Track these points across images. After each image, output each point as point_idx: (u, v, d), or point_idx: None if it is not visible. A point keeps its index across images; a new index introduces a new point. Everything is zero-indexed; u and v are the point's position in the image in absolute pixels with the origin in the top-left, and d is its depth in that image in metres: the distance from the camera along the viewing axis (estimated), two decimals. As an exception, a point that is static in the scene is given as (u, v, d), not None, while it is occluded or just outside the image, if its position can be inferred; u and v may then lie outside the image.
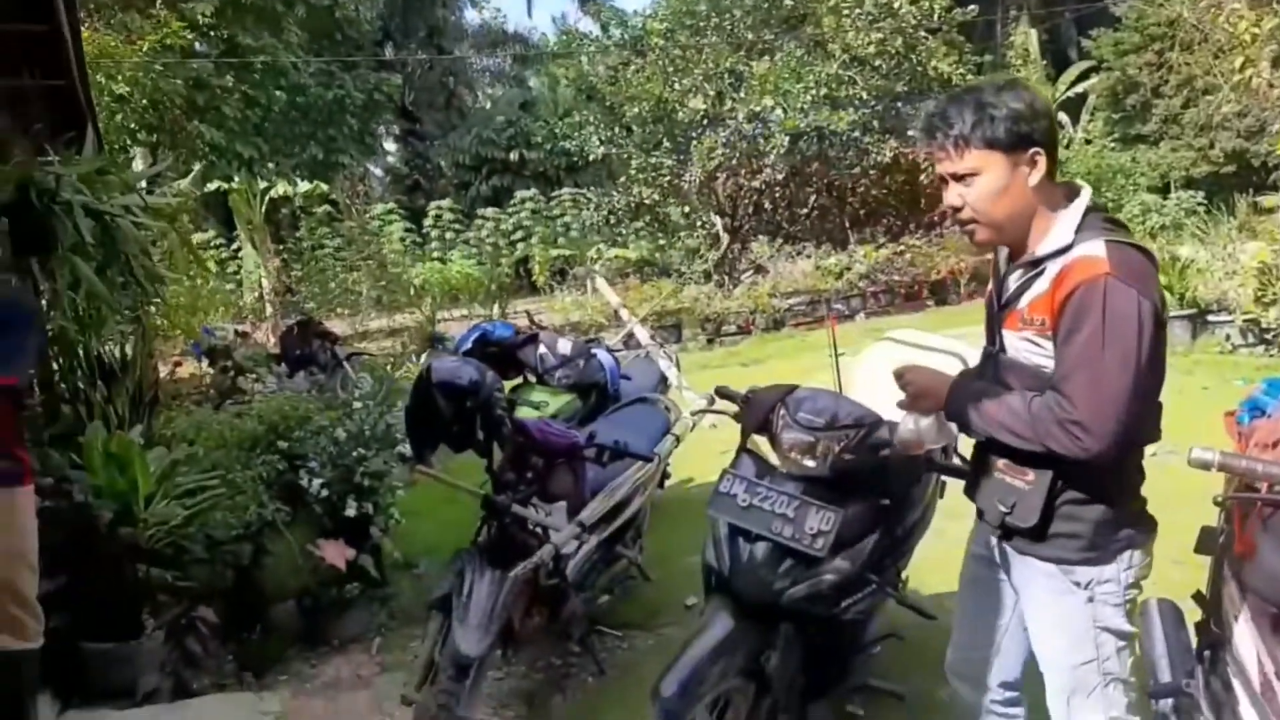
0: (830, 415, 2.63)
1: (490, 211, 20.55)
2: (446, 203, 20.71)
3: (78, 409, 5.06)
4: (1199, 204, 14.57)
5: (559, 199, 20.96)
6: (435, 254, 18.73)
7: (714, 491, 2.70)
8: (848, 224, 17.52)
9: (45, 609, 3.31)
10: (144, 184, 5.16)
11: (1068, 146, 17.26)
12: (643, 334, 8.98)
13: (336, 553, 4.17)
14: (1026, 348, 2.01)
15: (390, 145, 27.94)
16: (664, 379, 5.94)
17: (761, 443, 2.82)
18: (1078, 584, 2.03)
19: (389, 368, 8.80)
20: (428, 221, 19.77)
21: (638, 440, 3.76)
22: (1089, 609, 2.04)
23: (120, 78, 10.35)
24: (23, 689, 3.23)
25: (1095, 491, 1.98)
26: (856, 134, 15.05)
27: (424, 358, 11.92)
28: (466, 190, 25.09)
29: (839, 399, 2.77)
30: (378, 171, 28.46)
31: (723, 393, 3.02)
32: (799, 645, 2.63)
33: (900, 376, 2.23)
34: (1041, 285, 1.97)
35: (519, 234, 20.12)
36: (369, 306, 15.53)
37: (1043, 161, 1.94)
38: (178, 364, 8.14)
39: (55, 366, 4.86)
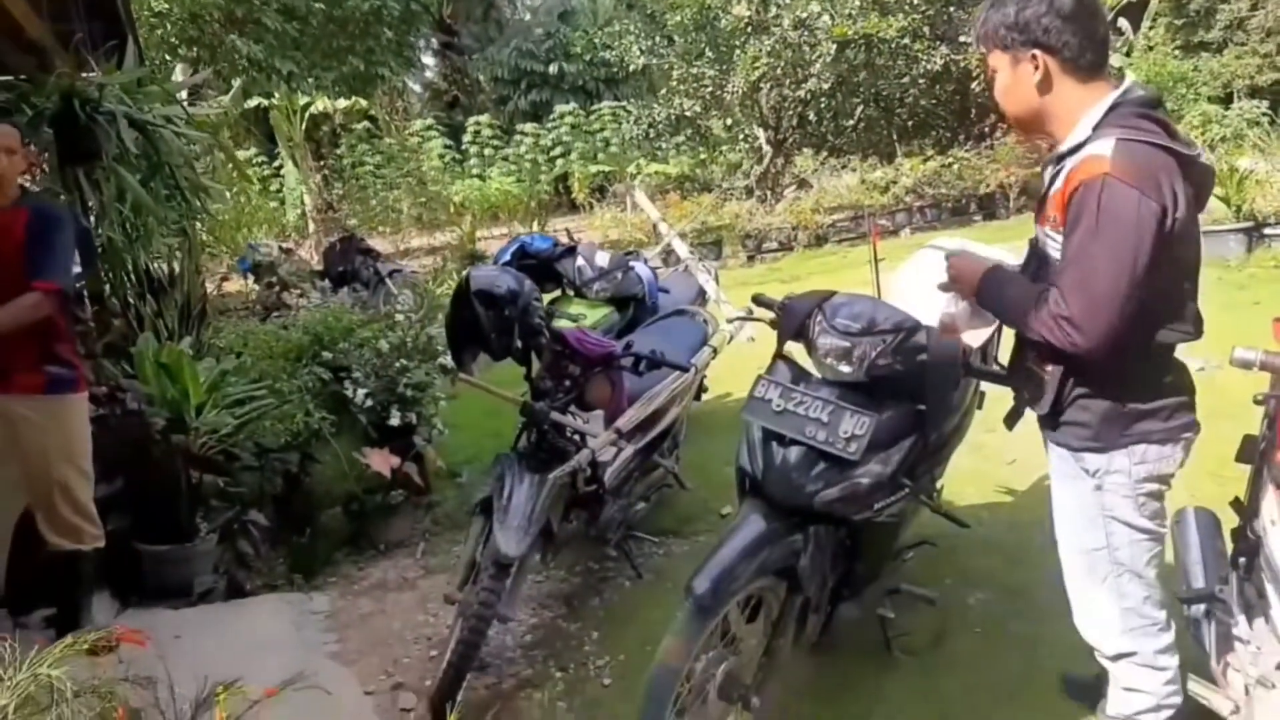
0: (867, 320, 2.60)
1: (529, 127, 20.28)
2: (485, 118, 20.47)
3: (129, 321, 5.20)
4: (1263, 114, 13.91)
5: (598, 113, 20.60)
6: (475, 171, 18.59)
7: (749, 396, 2.71)
8: (895, 136, 17.06)
9: (102, 512, 3.47)
10: (184, 96, 5.17)
11: (1129, 54, 16.52)
12: (682, 247, 8.91)
13: (382, 461, 4.29)
14: (1049, 242, 2.05)
15: (429, 60, 27.60)
16: (702, 293, 5.90)
17: (798, 350, 2.81)
18: (1086, 470, 2.11)
19: (429, 283, 8.87)
20: (467, 138, 19.56)
21: (675, 351, 3.78)
22: (1097, 496, 2.11)
23: (158, -9, 10.33)
24: (79, 589, 3.41)
25: (1102, 385, 2.04)
26: (906, 41, 14.53)
27: (464, 273, 11.98)
28: (505, 105, 24.78)
29: (876, 304, 2.74)
30: (416, 87, 28.18)
31: (759, 300, 3.00)
32: (831, 546, 2.67)
33: (948, 259, 2.31)
34: (1058, 182, 1.99)
35: (558, 150, 19.87)
36: (410, 224, 15.56)
37: (1044, 61, 1.98)
38: (225, 279, 8.31)
39: (106, 280, 4.97)
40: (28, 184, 4.07)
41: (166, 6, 10.40)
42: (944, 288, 2.32)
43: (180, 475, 3.92)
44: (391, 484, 4.38)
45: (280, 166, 16.52)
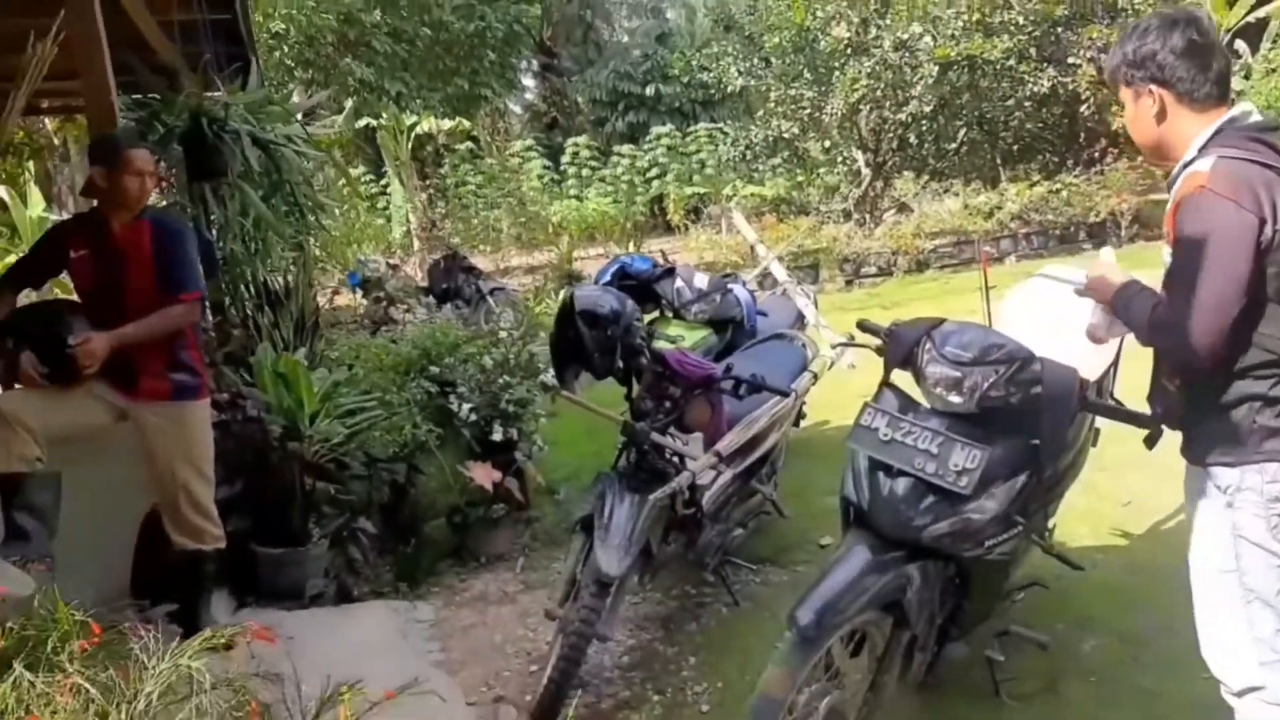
0: (979, 349, 2.56)
1: (626, 148, 20.46)
2: (583, 139, 20.74)
3: (247, 331, 5.44)
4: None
5: (694, 134, 20.67)
6: (572, 192, 18.85)
7: (854, 424, 2.69)
8: (999, 160, 16.64)
9: (223, 514, 3.63)
10: (300, 116, 5.42)
11: (1247, 77, 15.82)
12: (780, 271, 8.87)
13: (484, 474, 4.37)
14: (1167, 257, 2.11)
15: (529, 81, 28.16)
16: (801, 317, 5.88)
17: (905, 379, 2.78)
18: (1218, 487, 2.09)
19: (529, 302, 9.03)
20: (565, 159, 19.84)
21: (774, 375, 3.76)
22: (1228, 514, 2.07)
23: (276, 14, 10.84)
24: (200, 587, 3.57)
25: (1227, 399, 2.04)
26: (1011, 63, 14.20)
27: (561, 294, 12.21)
28: (603, 127, 25.10)
29: (988, 333, 2.70)
30: (516, 109, 28.75)
31: (865, 326, 2.98)
32: (939, 583, 2.62)
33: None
34: (1170, 201, 2.09)
35: (654, 171, 20.00)
36: (509, 243, 15.90)
37: (1160, 95, 2.09)
38: (335, 293, 8.59)
39: (226, 291, 5.22)
40: (155, 197, 4.33)
41: (284, 29, 10.91)
42: (1080, 293, 2.35)
43: (295, 481, 4.07)
44: (493, 498, 4.47)
45: (387, 185, 17.06)
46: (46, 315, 3.31)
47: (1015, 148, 16.54)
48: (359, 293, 9.25)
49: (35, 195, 14.65)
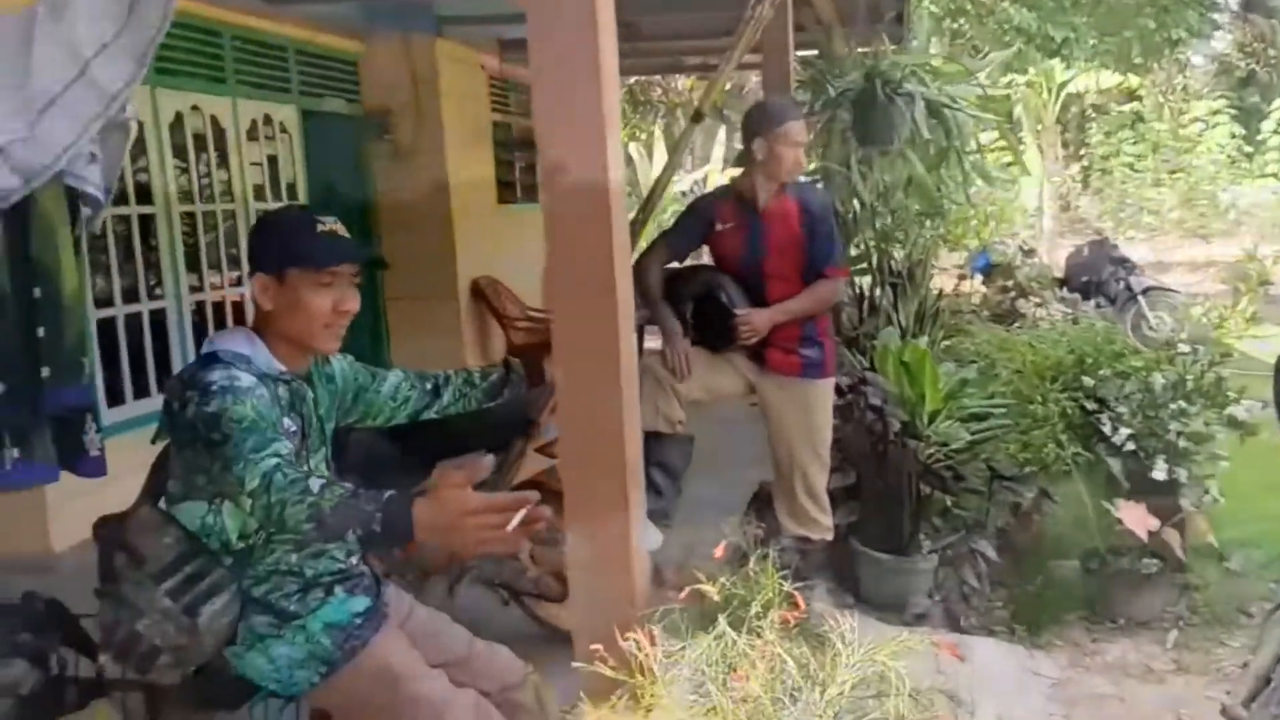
0: None
1: (1365, 112, 17.49)
2: (1296, 101, 18.18)
3: (860, 310, 5.77)
4: None
5: None
6: (1271, 169, 16.67)
7: None
8: None
9: (831, 505, 3.93)
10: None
11: None
12: None
13: (1137, 518, 4.09)
14: None
15: (1220, 19, 25.45)
16: None
17: None
18: None
19: (1202, 312, 8.22)
20: (1266, 125, 17.53)
21: None
22: None
23: (933, -44, 11.22)
24: (802, 578, 3.89)
25: None
26: None
27: (1243, 304, 10.87)
28: (1327, 83, 21.75)
29: None
30: (1198, 59, 26.27)
31: None
32: None
33: None
34: None
35: None
36: (1170, 230, 14.73)
37: None
38: (963, 277, 8.63)
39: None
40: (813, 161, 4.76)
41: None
42: None
43: (908, 484, 4.23)
44: (1143, 550, 4.19)
45: (1021, 153, 16.77)
46: (707, 281, 3.81)
47: None
48: (978, 278, 9.20)
49: (660, 155, 17.20)
